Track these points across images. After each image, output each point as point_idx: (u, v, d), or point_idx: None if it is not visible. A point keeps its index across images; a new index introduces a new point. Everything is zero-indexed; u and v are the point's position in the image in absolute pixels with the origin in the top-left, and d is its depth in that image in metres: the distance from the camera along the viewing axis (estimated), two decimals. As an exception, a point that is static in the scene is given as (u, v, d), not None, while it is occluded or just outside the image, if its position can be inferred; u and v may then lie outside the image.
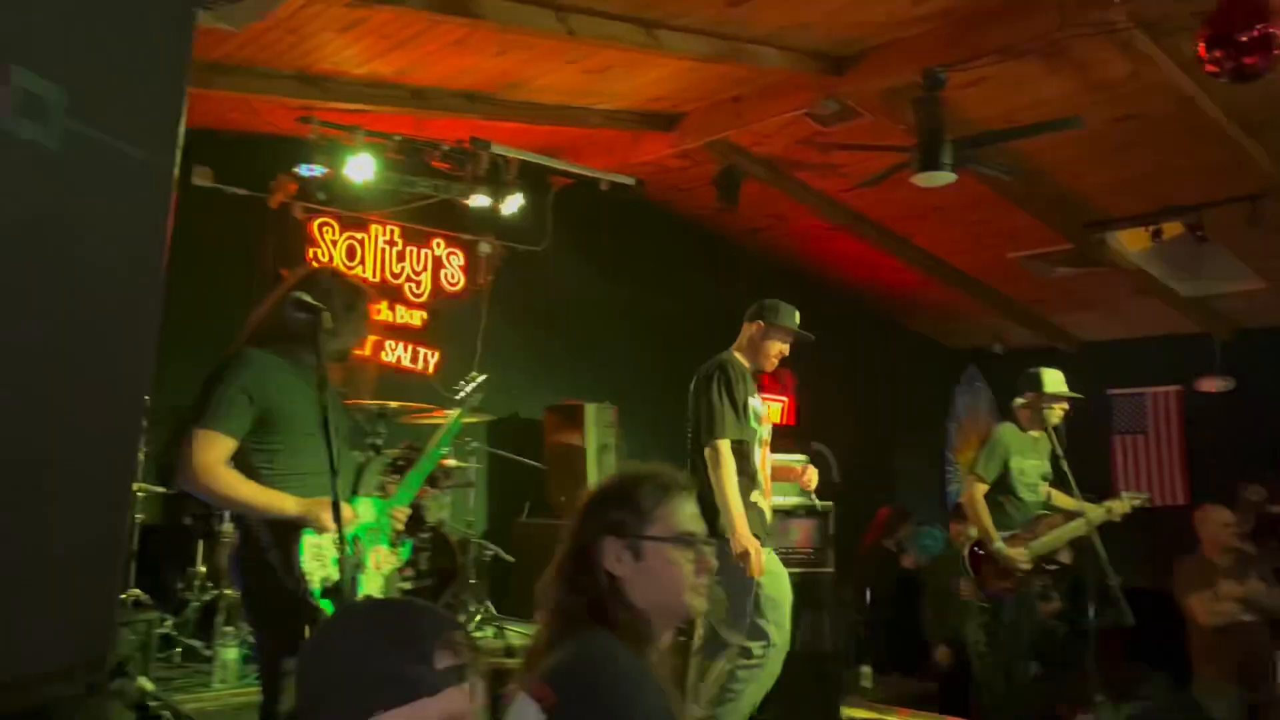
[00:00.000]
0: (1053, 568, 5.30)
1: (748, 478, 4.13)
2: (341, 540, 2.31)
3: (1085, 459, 7.86)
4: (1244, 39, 3.36)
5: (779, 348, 4.42)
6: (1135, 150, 5.86)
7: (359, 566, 2.63)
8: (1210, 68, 3.61)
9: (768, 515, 4.26)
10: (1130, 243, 7.34)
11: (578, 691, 1.75)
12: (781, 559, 5.52)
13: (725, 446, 4.05)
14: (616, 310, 7.29)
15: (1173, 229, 6.74)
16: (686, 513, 1.95)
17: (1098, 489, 5.86)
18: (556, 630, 1.88)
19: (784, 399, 7.81)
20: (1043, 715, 5.19)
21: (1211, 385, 8.25)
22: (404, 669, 1.25)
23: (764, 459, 4.31)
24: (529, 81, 5.34)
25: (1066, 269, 7.88)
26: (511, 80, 5.32)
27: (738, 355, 4.42)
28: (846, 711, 5.70)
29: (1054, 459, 5.17)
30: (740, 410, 4.15)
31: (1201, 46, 3.59)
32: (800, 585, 5.53)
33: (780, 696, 5.05)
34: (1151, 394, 8.72)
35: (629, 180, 6.41)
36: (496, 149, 5.76)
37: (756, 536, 4.04)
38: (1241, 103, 5.11)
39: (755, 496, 4.16)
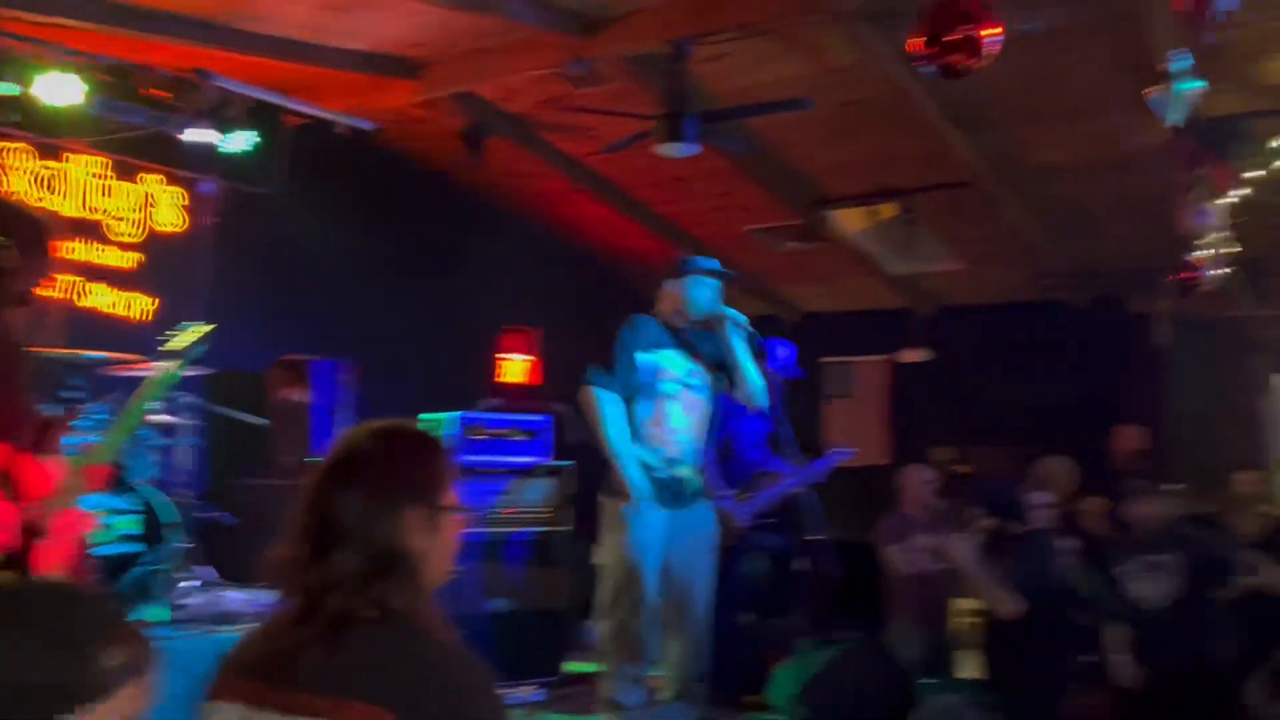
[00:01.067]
0: (768, 521, 5.63)
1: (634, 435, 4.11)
2: (17, 504, 2.06)
3: (801, 422, 8.43)
4: (951, 39, 3.66)
5: (683, 301, 4.32)
6: (857, 134, 6.28)
7: (39, 534, 2.36)
8: (920, 62, 3.90)
9: (664, 476, 4.15)
10: (851, 222, 7.88)
11: (426, 705, 1.43)
12: (518, 518, 5.57)
13: (589, 393, 4.07)
14: (352, 260, 6.97)
15: (888, 211, 7.29)
16: None
17: (810, 450, 6.27)
18: (328, 625, 1.49)
19: (529, 358, 7.81)
20: (753, 662, 5.51)
21: (913, 356, 9.03)
22: (67, 673, 1.08)
23: (659, 415, 4.18)
24: (262, 12, 4.98)
25: (794, 243, 8.35)
26: (241, 9, 4.93)
27: (655, 310, 4.35)
28: (569, 665, 5.82)
29: (775, 420, 5.47)
30: (628, 363, 4.15)
31: (911, 42, 3.88)
32: (537, 544, 5.60)
33: (506, 653, 5.09)
34: (860, 363, 9.44)
35: (367, 125, 6.14)
36: (222, 82, 5.34)
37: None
38: (951, 98, 5.58)
39: (642, 454, 4.10)
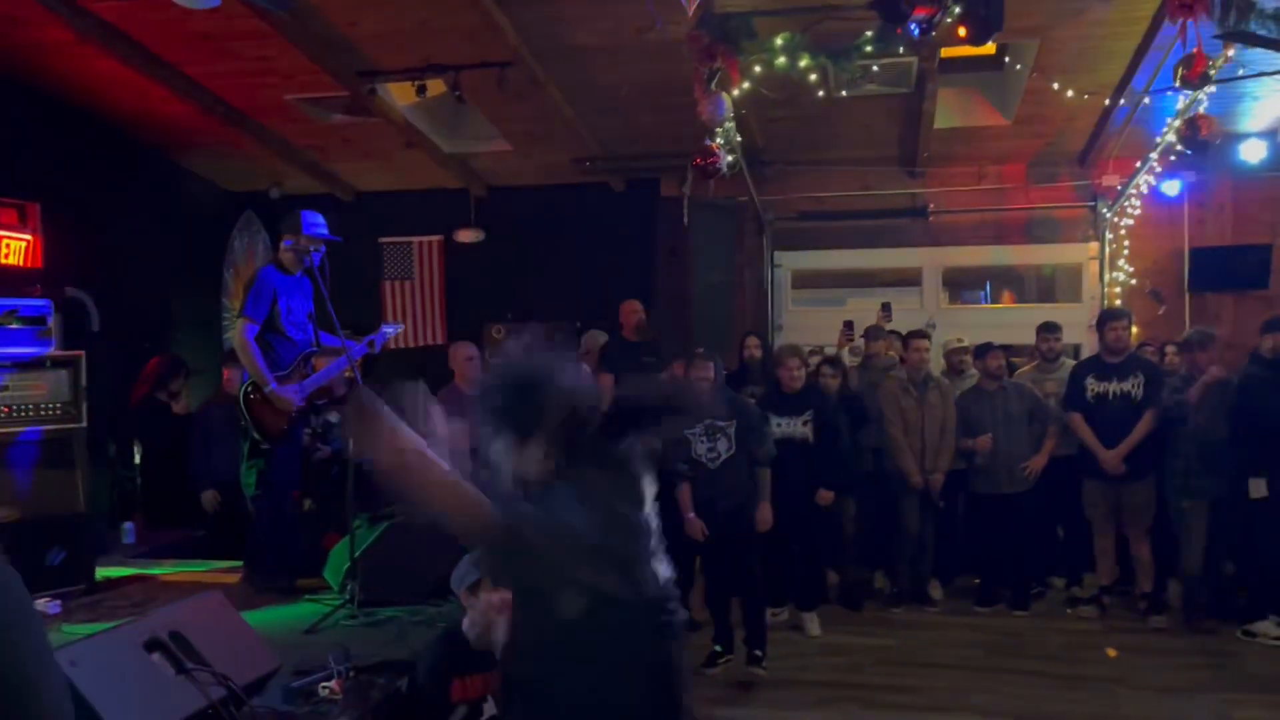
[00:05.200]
0: (322, 403, 5.50)
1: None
2: None
3: (358, 302, 8.26)
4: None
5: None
6: (402, 3, 6.08)
7: None
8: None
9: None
10: (400, 96, 7.69)
11: None
12: (21, 416, 4.94)
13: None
14: None
15: (436, 87, 7.19)
16: None
17: (369, 330, 6.18)
18: None
19: (27, 238, 6.79)
20: (310, 544, 5.46)
21: (467, 236, 9.17)
22: None
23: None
24: None
25: (342, 116, 8.00)
26: None
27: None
28: (104, 572, 5.38)
29: (318, 299, 5.29)
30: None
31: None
32: (49, 444, 5.01)
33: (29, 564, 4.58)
34: (417, 243, 9.40)
35: None
36: None
37: None
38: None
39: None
